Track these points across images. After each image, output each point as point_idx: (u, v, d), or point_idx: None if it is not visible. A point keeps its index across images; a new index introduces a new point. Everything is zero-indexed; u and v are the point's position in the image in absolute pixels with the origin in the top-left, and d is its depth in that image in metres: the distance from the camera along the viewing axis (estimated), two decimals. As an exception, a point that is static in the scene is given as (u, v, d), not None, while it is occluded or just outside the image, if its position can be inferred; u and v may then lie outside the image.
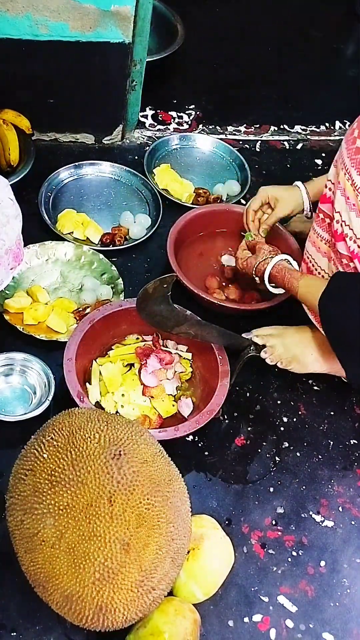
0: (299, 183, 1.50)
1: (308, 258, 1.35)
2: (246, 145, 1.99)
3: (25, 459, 0.99)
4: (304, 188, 1.48)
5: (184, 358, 1.39)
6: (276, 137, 2.05)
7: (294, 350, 1.36)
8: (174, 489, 0.99)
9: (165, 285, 1.22)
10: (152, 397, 1.32)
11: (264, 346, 1.35)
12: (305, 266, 1.37)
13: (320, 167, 1.97)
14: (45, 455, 0.96)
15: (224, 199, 1.78)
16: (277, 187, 1.52)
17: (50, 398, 1.26)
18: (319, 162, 2.00)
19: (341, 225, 1.19)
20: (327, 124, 2.13)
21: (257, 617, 1.13)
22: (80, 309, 1.44)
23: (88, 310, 1.43)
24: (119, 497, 0.92)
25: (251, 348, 1.35)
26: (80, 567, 0.90)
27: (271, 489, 1.28)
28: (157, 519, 0.94)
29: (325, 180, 1.27)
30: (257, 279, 1.40)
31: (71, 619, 0.95)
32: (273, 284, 1.38)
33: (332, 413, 1.42)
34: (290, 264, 1.37)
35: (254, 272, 1.40)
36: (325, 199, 1.27)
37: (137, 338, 1.41)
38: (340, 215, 1.19)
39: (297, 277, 1.30)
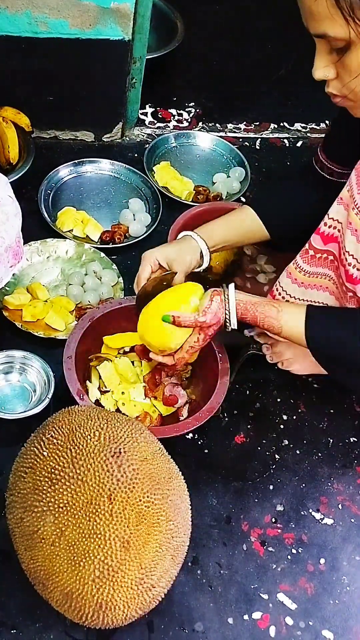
0: (191, 233, 1.30)
1: (279, 291, 1.29)
2: (246, 143, 1.99)
3: (25, 457, 0.99)
4: (200, 239, 1.29)
5: None
6: (276, 135, 2.05)
7: (297, 351, 1.34)
8: (173, 486, 1.00)
9: (164, 283, 1.22)
10: (154, 397, 1.32)
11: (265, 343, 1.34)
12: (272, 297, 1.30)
13: (320, 165, 1.97)
14: (45, 453, 0.96)
15: (224, 197, 1.78)
16: (164, 247, 1.29)
17: (50, 396, 1.26)
18: (319, 159, 1.99)
19: (357, 269, 1.10)
20: (327, 122, 2.13)
21: (256, 615, 1.13)
22: (83, 307, 1.44)
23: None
24: (118, 494, 0.92)
25: (252, 346, 1.34)
26: (80, 564, 0.90)
27: (271, 487, 1.28)
28: (157, 517, 0.94)
29: (327, 219, 1.17)
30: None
31: (71, 616, 0.95)
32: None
33: (332, 411, 1.42)
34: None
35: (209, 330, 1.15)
36: (330, 238, 1.17)
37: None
38: (356, 259, 1.10)
39: (274, 314, 1.14)
